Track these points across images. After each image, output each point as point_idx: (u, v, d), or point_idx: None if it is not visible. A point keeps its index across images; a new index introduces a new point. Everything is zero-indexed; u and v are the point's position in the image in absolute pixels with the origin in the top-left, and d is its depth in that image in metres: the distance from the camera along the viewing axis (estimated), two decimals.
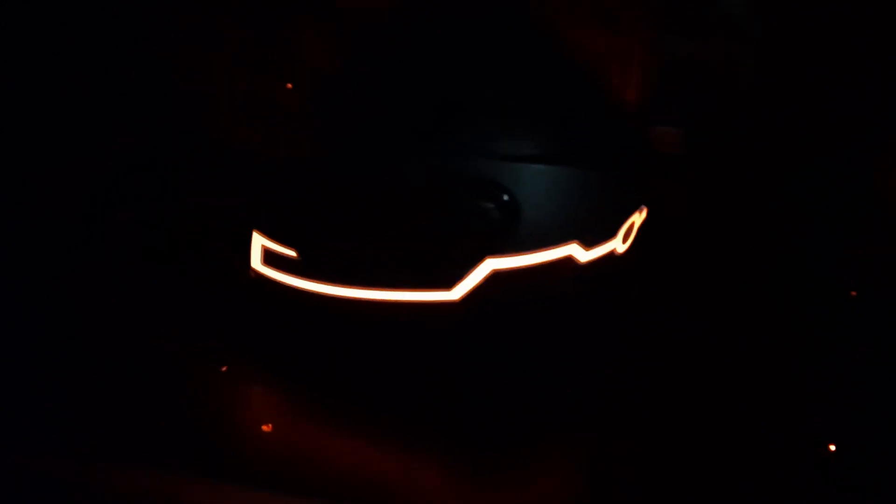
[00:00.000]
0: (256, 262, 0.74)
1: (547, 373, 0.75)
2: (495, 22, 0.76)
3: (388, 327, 0.73)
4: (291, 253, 0.72)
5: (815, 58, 0.94)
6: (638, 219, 0.76)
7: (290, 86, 0.83)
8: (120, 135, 0.90)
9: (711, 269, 0.88)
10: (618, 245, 0.74)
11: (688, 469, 0.68)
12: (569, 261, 0.70)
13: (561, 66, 0.75)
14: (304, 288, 0.72)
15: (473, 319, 0.71)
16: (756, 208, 0.94)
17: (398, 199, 0.69)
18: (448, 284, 0.70)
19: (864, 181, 0.93)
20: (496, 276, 0.69)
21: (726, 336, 0.80)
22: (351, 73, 0.75)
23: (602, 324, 0.78)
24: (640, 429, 0.71)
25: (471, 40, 0.74)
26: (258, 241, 0.74)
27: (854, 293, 0.84)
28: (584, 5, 0.85)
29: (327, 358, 0.75)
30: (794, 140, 0.95)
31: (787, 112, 0.95)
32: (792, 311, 0.84)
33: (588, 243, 0.71)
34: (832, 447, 0.69)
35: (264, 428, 0.69)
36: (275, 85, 0.85)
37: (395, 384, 0.73)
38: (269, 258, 0.73)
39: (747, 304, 0.84)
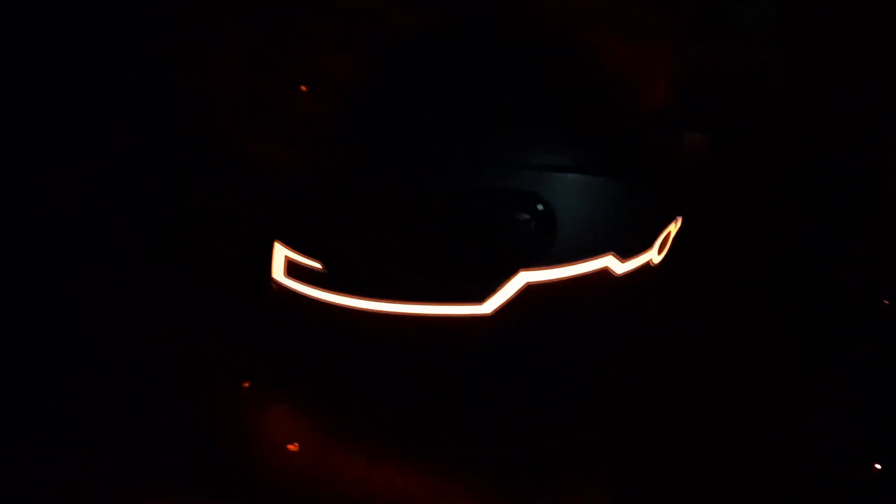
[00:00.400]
0: (279, 273, 0.72)
1: (566, 379, 0.75)
2: (529, 32, 0.74)
3: (418, 342, 0.71)
4: (317, 265, 0.70)
5: (815, 58, 0.94)
6: (673, 229, 0.75)
7: (304, 88, 0.83)
8: (120, 135, 0.90)
9: (711, 269, 0.88)
10: (653, 256, 0.72)
11: (688, 469, 0.68)
12: (604, 273, 0.69)
13: (594, 75, 0.74)
14: (330, 301, 0.70)
15: (505, 333, 0.69)
16: (756, 208, 0.94)
17: (430, 210, 0.67)
18: (480, 298, 0.68)
19: (864, 181, 0.93)
20: (529, 290, 0.68)
21: (726, 336, 0.80)
22: (381, 80, 0.73)
23: (633, 335, 0.77)
24: (640, 429, 0.71)
25: (503, 50, 0.72)
26: (281, 252, 0.72)
27: (887, 302, 0.84)
28: (613, 14, 0.85)
29: (354, 373, 0.74)
30: (794, 140, 0.95)
31: (787, 112, 0.95)
32: (792, 311, 0.84)
33: (624, 255, 0.70)
34: (878, 466, 0.68)
35: (290, 447, 0.68)
36: (292, 89, 0.85)
37: (426, 400, 0.72)
38: (293, 270, 0.71)
39: (747, 305, 0.84)
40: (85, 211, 0.87)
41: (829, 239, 0.91)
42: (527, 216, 0.66)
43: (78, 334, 0.77)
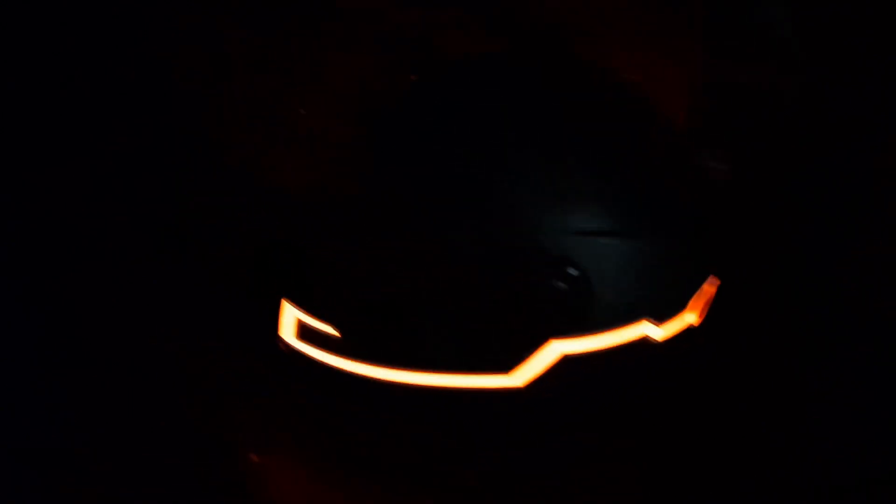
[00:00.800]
0: (288, 333, 0.67)
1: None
2: (564, 89, 0.71)
3: (442, 415, 0.66)
4: (331, 330, 0.65)
5: (815, 58, 0.94)
6: (709, 287, 0.71)
7: (303, 111, 0.81)
8: (120, 135, 0.90)
9: (710, 269, 0.88)
10: (691, 316, 0.69)
11: (688, 469, 0.67)
12: (643, 339, 0.65)
13: (624, 134, 0.70)
14: (344, 369, 0.65)
15: (539, 405, 0.65)
16: (756, 208, 0.94)
17: (455, 273, 0.62)
18: (507, 367, 0.64)
19: (864, 181, 0.93)
20: (564, 360, 0.63)
21: (726, 336, 0.80)
22: (404, 124, 0.68)
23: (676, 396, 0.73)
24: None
25: (535, 108, 0.68)
26: (291, 313, 0.67)
27: None
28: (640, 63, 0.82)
29: (372, 448, 0.69)
30: (794, 140, 0.95)
31: (787, 112, 0.95)
32: (792, 311, 0.84)
33: (659, 318, 0.66)
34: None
35: None
36: (308, 116, 0.81)
37: (452, 476, 0.68)
38: (303, 331, 0.67)
39: (747, 305, 0.84)
40: (85, 211, 0.87)
41: (829, 239, 0.90)
42: (559, 282, 0.62)
43: (78, 334, 0.77)
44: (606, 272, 0.64)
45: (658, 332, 0.66)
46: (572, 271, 0.63)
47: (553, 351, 0.64)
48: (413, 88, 0.73)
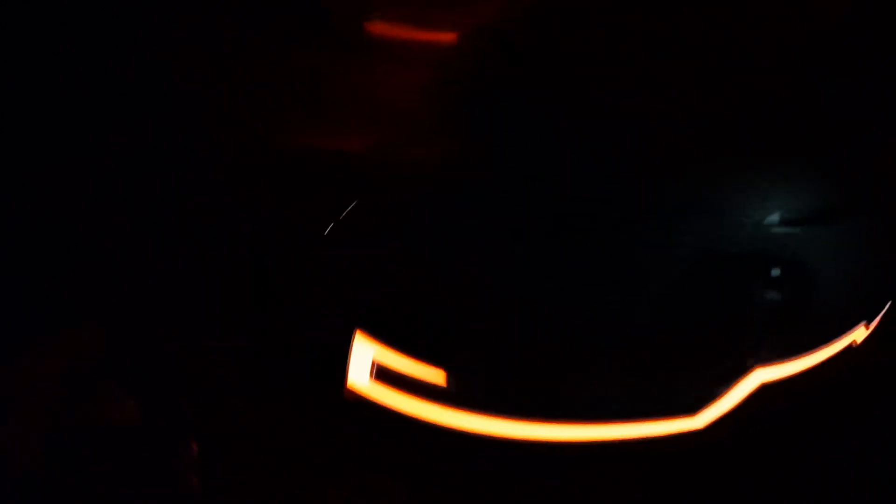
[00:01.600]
0: (361, 375, 0.48)
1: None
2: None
3: (595, 472, 0.52)
4: (435, 376, 0.46)
5: (816, 58, 0.94)
6: None
7: None
8: (120, 135, 0.90)
9: None
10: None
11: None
12: (850, 348, 0.52)
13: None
14: (448, 424, 0.47)
15: (724, 451, 0.51)
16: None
17: (615, 289, 0.46)
18: (692, 409, 0.48)
19: (864, 181, 0.93)
20: (762, 390, 0.48)
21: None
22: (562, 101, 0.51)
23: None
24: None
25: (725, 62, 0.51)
26: (366, 351, 0.47)
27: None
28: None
29: None
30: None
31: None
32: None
33: (871, 319, 0.52)
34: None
35: None
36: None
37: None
38: (384, 374, 0.48)
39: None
40: (85, 211, 0.87)
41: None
42: (764, 289, 0.47)
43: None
44: (821, 268, 0.48)
45: (864, 333, 0.52)
46: (775, 272, 0.47)
47: (752, 381, 0.48)
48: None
